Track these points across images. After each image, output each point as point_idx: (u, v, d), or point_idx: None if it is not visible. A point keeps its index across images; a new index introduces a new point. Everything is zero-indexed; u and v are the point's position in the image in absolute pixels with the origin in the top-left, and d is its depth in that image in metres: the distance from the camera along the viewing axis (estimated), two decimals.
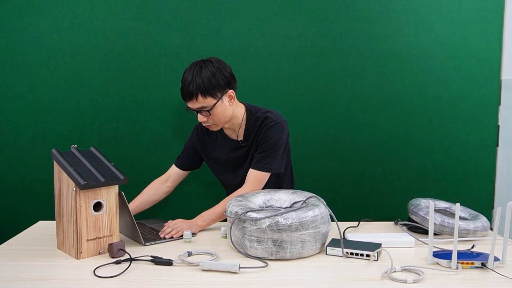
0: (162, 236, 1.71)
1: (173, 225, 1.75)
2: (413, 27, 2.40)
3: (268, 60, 2.40)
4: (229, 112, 1.81)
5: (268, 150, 1.83)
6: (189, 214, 1.88)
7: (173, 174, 2.03)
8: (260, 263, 1.44)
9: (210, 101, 1.74)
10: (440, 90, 2.44)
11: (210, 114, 1.76)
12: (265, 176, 1.84)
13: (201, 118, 1.78)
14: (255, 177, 1.83)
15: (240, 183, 1.89)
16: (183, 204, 2.48)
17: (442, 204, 1.88)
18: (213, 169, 2.03)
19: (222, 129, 1.92)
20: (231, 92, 1.79)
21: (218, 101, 1.75)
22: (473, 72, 2.43)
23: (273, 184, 1.93)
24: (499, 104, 2.45)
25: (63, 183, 1.52)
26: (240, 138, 1.91)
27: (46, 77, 2.37)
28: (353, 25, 2.39)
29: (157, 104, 2.41)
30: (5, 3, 2.32)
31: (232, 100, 1.80)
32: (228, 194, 2.01)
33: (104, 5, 2.34)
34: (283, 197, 1.68)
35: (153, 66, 2.38)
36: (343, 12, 2.38)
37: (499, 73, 2.44)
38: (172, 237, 1.70)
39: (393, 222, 1.92)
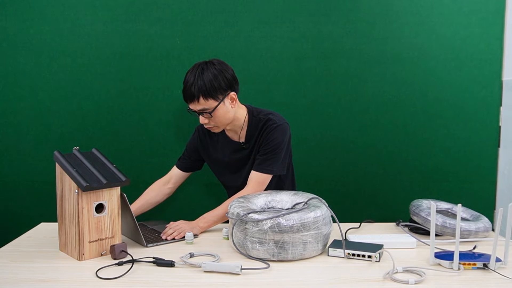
0: (164, 237, 1.71)
1: (175, 227, 1.75)
2: (414, 28, 2.40)
3: (269, 62, 2.40)
4: (230, 114, 1.81)
5: (270, 152, 1.83)
6: (191, 215, 1.88)
7: (175, 175, 2.03)
8: (262, 265, 1.44)
9: (211, 103, 1.74)
10: (441, 91, 2.44)
11: (212, 116, 1.76)
12: (267, 178, 1.85)
13: (202, 120, 1.79)
14: (257, 179, 1.83)
15: (242, 184, 1.90)
16: (184, 206, 2.49)
17: (444, 205, 1.88)
18: (215, 171, 2.04)
19: (223, 130, 1.92)
20: (233, 94, 1.79)
21: (219, 103, 1.75)
22: (474, 73, 2.43)
23: (274, 185, 1.93)
24: (500, 105, 2.45)
25: (65, 185, 1.53)
26: (242, 140, 1.91)
27: (48, 79, 2.38)
28: (354, 27, 2.39)
29: (158, 106, 2.41)
30: (7, 5, 2.33)
31: (234, 102, 1.81)
32: (229, 196, 2.01)
33: (105, 8, 2.34)
34: (285, 198, 1.68)
35: (155, 68, 2.38)
36: (344, 14, 2.38)
37: (500, 74, 2.43)
38: (174, 239, 1.70)
39: (394, 223, 1.92)
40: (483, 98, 2.44)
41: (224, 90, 1.75)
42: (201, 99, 1.72)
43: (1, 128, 2.40)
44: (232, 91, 1.78)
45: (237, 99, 1.82)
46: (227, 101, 1.78)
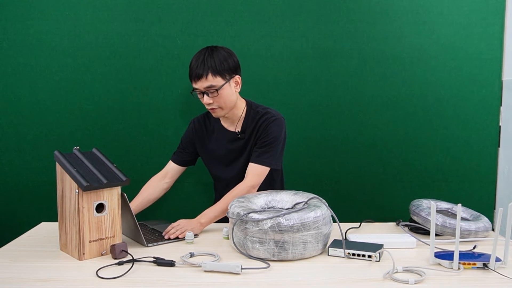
0: (166, 237, 1.71)
1: (176, 226, 1.75)
2: (414, 28, 2.40)
3: (269, 61, 2.41)
4: (234, 97, 1.85)
5: (268, 144, 1.85)
6: (190, 214, 1.88)
7: (171, 170, 2.04)
8: (262, 264, 1.44)
9: (219, 80, 1.78)
10: (441, 91, 2.44)
11: (218, 94, 1.78)
12: (265, 170, 1.86)
13: (207, 99, 1.81)
14: (255, 171, 1.84)
15: (234, 177, 1.91)
16: (183, 204, 2.48)
17: (444, 205, 1.88)
18: (208, 163, 2.03)
19: (219, 122, 1.93)
20: (238, 77, 1.84)
21: (226, 82, 1.79)
22: (474, 73, 2.43)
23: (266, 180, 1.92)
24: (500, 105, 2.45)
25: (66, 185, 1.53)
26: (238, 129, 1.92)
27: (48, 78, 2.38)
28: (354, 26, 2.39)
29: (158, 106, 2.41)
30: (7, 5, 2.33)
31: (238, 86, 1.86)
32: (219, 189, 2.02)
33: (105, 7, 2.34)
34: (285, 198, 1.68)
35: (155, 67, 2.39)
36: (344, 13, 2.39)
37: (500, 73, 2.44)
38: (175, 238, 1.70)
39: (394, 223, 1.92)
40: (483, 98, 2.45)
41: (231, 71, 1.81)
42: (210, 76, 1.76)
43: (1, 128, 2.40)
44: (237, 74, 1.84)
45: (240, 84, 1.87)
46: (232, 83, 1.83)
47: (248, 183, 1.82)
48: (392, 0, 2.38)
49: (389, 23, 2.40)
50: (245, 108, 1.92)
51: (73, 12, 2.34)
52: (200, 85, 1.78)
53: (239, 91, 1.87)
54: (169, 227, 1.75)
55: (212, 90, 1.78)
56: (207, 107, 1.85)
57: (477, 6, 2.39)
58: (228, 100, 1.83)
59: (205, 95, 1.80)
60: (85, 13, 2.34)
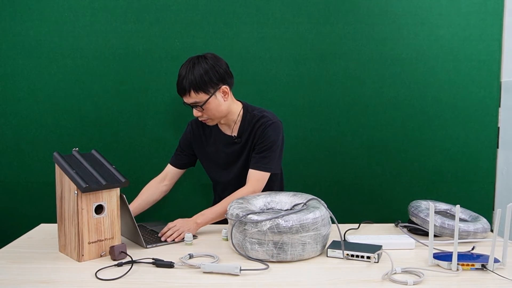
0: (163, 239, 1.71)
1: (173, 227, 1.75)
2: (413, 30, 2.41)
3: (268, 63, 2.41)
4: (223, 107, 1.83)
5: (267, 149, 1.85)
6: (189, 215, 1.88)
7: (170, 172, 2.04)
8: (261, 265, 1.44)
9: (202, 96, 1.77)
10: (440, 92, 2.45)
11: (203, 109, 1.78)
12: (265, 176, 1.85)
13: (196, 113, 1.82)
14: (256, 176, 1.84)
15: (232, 180, 1.91)
16: (182, 206, 2.49)
17: (443, 206, 1.88)
18: (206, 166, 2.03)
19: (217, 125, 1.93)
20: (224, 87, 1.81)
21: (210, 96, 1.77)
22: (472, 74, 2.44)
23: (266, 183, 1.92)
24: (499, 106, 2.45)
25: (65, 186, 1.53)
26: (235, 133, 1.92)
27: (47, 80, 2.38)
28: (353, 28, 2.40)
29: (158, 107, 2.41)
30: (6, 6, 2.33)
31: (227, 95, 1.82)
32: (218, 192, 2.02)
33: (105, 9, 2.34)
34: (284, 199, 1.69)
35: (154, 69, 2.39)
36: (343, 15, 2.39)
37: (498, 75, 2.44)
38: (173, 240, 1.70)
39: (393, 224, 1.92)
40: (482, 99, 2.45)
41: (215, 84, 1.78)
42: (192, 93, 1.75)
43: (1, 129, 2.40)
44: (224, 84, 1.80)
45: (229, 93, 1.84)
46: (218, 94, 1.80)
47: (249, 189, 1.82)
48: (390, 2, 2.39)
49: (388, 25, 2.40)
50: (241, 111, 1.90)
51: (72, 14, 2.34)
52: (186, 100, 1.79)
53: (228, 100, 1.83)
54: (165, 228, 1.75)
55: (197, 105, 1.79)
56: (198, 118, 1.85)
57: (476, 7, 2.40)
58: (216, 112, 1.81)
59: (193, 108, 1.81)
60: (84, 14, 2.35)
